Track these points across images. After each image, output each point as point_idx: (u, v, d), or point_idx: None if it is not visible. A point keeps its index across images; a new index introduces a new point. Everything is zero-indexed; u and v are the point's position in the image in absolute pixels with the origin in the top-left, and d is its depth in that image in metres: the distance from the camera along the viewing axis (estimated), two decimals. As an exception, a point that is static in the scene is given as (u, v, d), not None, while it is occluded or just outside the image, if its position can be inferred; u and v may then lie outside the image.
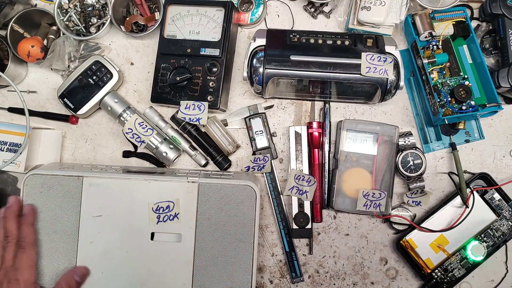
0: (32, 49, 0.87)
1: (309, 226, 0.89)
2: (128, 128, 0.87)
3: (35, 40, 0.88)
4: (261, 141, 0.91)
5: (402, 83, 0.82)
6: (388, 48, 0.83)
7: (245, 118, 0.91)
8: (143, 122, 0.88)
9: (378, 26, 0.87)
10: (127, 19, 0.93)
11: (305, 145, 0.89)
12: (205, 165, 0.92)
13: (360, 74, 0.81)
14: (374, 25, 0.87)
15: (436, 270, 0.86)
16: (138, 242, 0.79)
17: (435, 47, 0.85)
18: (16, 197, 0.77)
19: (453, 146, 0.88)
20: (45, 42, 0.92)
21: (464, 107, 0.83)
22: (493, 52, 0.90)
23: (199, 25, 0.88)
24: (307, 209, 0.88)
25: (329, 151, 0.91)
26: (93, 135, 0.95)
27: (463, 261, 0.86)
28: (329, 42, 0.84)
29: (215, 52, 0.86)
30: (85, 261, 0.79)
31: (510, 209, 0.87)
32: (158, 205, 0.79)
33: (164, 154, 0.89)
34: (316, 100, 0.93)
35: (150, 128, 0.88)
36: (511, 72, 0.83)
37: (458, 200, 0.86)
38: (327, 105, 0.91)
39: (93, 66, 0.89)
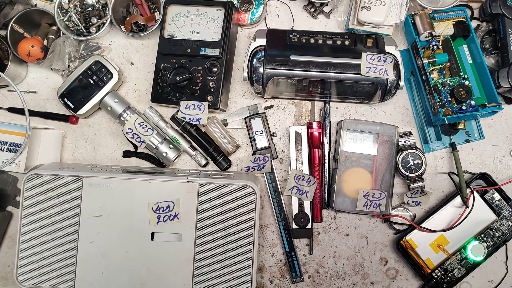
0: (32, 49, 0.87)
1: (309, 226, 0.89)
2: (128, 128, 0.87)
3: (35, 40, 0.88)
4: (261, 141, 0.91)
5: (402, 83, 0.82)
6: (388, 48, 0.83)
7: (245, 118, 0.91)
8: (143, 122, 0.88)
9: (378, 26, 0.87)
10: (127, 19, 0.93)
11: (305, 145, 0.89)
12: (205, 165, 0.92)
13: (360, 74, 0.81)
14: (374, 25, 0.87)
15: (436, 270, 0.86)
16: (138, 242, 0.79)
17: (435, 47, 0.85)
18: None
19: (453, 146, 0.88)
20: (45, 42, 0.92)
21: (464, 107, 0.83)
22: (493, 52, 0.90)
23: (199, 25, 0.88)
24: (307, 209, 0.88)
25: (329, 151, 0.91)
26: (93, 135, 0.95)
27: (463, 261, 0.86)
28: (329, 42, 0.84)
29: (215, 52, 0.86)
30: (85, 261, 0.79)
31: (510, 209, 0.87)
32: (158, 205, 0.79)
33: (164, 154, 0.89)
34: (316, 100, 0.93)
35: (150, 128, 0.88)
36: (511, 72, 0.83)
37: (458, 200, 0.86)
38: (327, 105, 0.91)
39: (93, 66, 0.89)
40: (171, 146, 0.90)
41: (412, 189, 0.87)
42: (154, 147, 0.88)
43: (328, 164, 0.91)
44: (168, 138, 0.91)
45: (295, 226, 0.88)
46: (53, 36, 0.93)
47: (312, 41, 0.84)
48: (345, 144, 0.87)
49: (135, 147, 0.93)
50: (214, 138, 0.91)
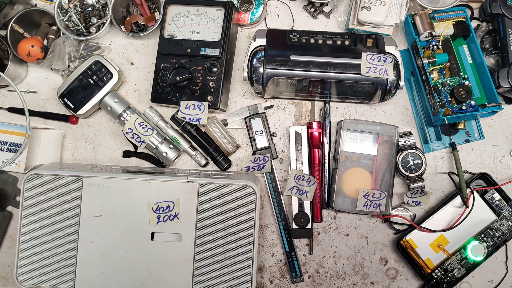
0: (32, 49, 0.87)
1: (309, 226, 0.88)
2: (128, 128, 0.87)
3: (35, 40, 0.88)
4: (261, 141, 0.91)
5: (402, 83, 0.82)
6: (388, 48, 0.83)
7: (245, 118, 0.91)
8: (143, 122, 0.88)
9: (378, 26, 0.87)
10: (127, 19, 0.93)
11: (305, 145, 0.89)
12: (205, 165, 0.92)
13: (360, 74, 0.81)
14: (374, 25, 0.87)
15: (436, 270, 0.86)
16: (138, 242, 0.79)
17: (435, 47, 0.85)
18: None
19: (453, 146, 0.88)
20: (45, 42, 0.92)
21: (464, 107, 0.83)
22: (493, 52, 0.90)
23: (199, 25, 0.88)
24: (307, 209, 0.88)
25: (329, 151, 0.91)
26: (93, 135, 0.95)
27: (463, 261, 0.86)
28: (329, 42, 0.84)
29: (215, 52, 0.86)
30: (85, 261, 0.79)
31: (510, 209, 0.87)
32: (158, 205, 0.79)
33: (164, 154, 0.89)
34: (316, 100, 0.93)
35: (150, 128, 0.88)
36: (511, 72, 0.83)
37: (458, 200, 0.86)
38: (327, 105, 0.91)
39: (93, 66, 0.89)
40: (171, 146, 0.90)
41: (412, 189, 0.87)
42: (154, 147, 0.88)
43: (328, 164, 0.91)
44: (168, 138, 0.91)
45: (295, 226, 0.88)
46: (53, 36, 0.93)
47: (312, 41, 0.84)
48: (345, 144, 0.87)
49: (135, 147, 0.93)
50: (214, 138, 0.91)
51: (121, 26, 0.92)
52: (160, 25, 0.90)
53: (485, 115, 0.87)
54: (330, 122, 0.91)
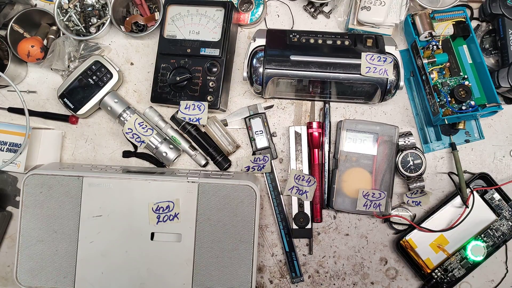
0: (32, 49, 0.87)
1: (309, 226, 0.88)
2: (128, 128, 0.87)
3: (35, 40, 0.88)
4: (261, 141, 0.91)
5: (402, 83, 0.82)
6: (388, 48, 0.83)
7: (245, 118, 0.91)
8: (143, 122, 0.88)
9: (378, 26, 0.87)
10: (127, 19, 0.93)
11: (305, 145, 0.89)
12: (205, 165, 0.92)
13: (360, 74, 0.81)
14: (374, 25, 0.87)
15: (436, 270, 0.86)
16: (138, 242, 0.79)
17: (435, 47, 0.85)
18: None
19: (453, 146, 0.88)
20: (45, 42, 0.92)
21: (464, 107, 0.83)
22: (493, 52, 0.90)
23: (199, 25, 0.88)
24: (307, 209, 0.88)
25: (329, 151, 0.91)
26: (93, 135, 0.95)
27: (463, 261, 0.86)
28: (329, 42, 0.84)
29: (215, 52, 0.86)
30: (85, 261, 0.79)
31: (510, 209, 0.87)
32: (158, 205, 0.79)
33: (164, 154, 0.89)
34: (316, 100, 0.93)
35: (150, 128, 0.88)
36: (511, 72, 0.83)
37: (458, 200, 0.86)
38: (327, 105, 0.91)
39: (93, 66, 0.89)
40: (171, 146, 0.90)
41: (412, 189, 0.87)
42: (154, 147, 0.88)
43: (328, 164, 0.91)
44: (168, 138, 0.91)
45: (295, 226, 0.88)
46: (53, 36, 0.93)
47: (312, 41, 0.84)
48: (345, 144, 0.87)
49: (135, 147, 0.93)
50: (214, 138, 0.91)
51: (121, 26, 0.92)
52: (160, 25, 0.90)
53: (485, 115, 0.87)
54: (330, 122, 0.91)
